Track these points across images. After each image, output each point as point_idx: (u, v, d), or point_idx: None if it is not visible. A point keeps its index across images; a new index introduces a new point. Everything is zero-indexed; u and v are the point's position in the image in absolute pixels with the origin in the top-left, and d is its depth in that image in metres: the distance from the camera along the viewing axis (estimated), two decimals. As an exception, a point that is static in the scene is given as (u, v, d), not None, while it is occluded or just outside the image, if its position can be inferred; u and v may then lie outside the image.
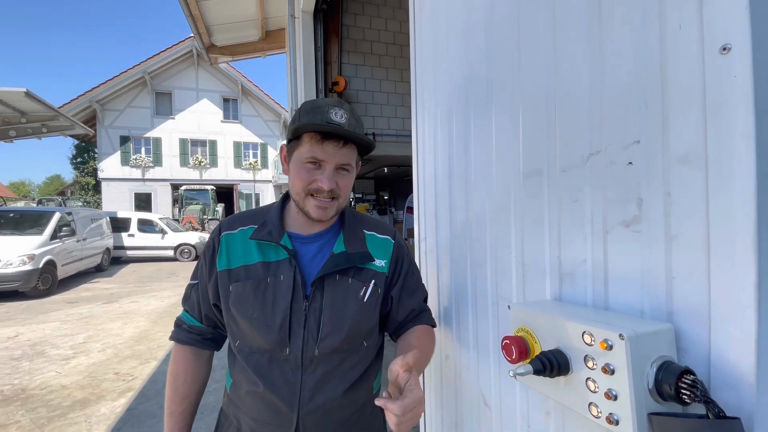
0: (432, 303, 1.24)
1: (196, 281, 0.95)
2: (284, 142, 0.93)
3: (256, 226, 0.91)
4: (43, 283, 7.25)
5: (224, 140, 20.59)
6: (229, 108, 20.93)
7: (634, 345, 0.46)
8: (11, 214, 8.22)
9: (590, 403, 0.52)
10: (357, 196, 9.08)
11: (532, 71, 0.75)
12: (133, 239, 12.03)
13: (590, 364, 0.51)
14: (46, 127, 8.59)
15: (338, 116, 0.81)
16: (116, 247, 11.50)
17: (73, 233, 8.54)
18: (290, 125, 0.87)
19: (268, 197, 21.01)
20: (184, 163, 19.81)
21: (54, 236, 7.86)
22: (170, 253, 12.23)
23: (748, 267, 0.41)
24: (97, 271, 10.14)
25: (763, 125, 0.41)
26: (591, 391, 0.51)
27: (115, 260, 11.59)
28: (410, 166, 1.44)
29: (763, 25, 0.41)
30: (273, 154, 21.03)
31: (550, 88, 0.69)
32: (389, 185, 10.62)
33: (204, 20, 5.10)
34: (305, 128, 0.82)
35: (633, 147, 0.54)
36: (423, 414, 1.37)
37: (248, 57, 6.62)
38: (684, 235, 0.48)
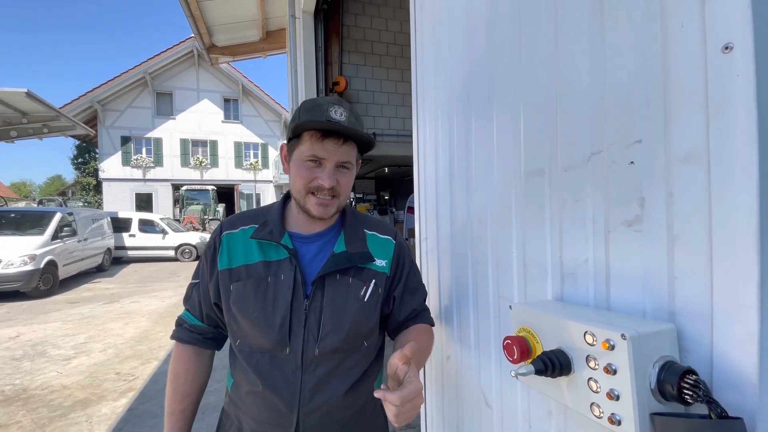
0: (433, 303, 1.24)
1: (197, 280, 0.95)
2: (284, 141, 0.93)
3: (257, 226, 0.91)
4: (44, 283, 7.26)
5: (225, 140, 20.62)
6: (230, 108, 20.96)
7: (636, 345, 0.46)
8: (12, 215, 8.24)
9: (592, 404, 0.51)
10: (358, 196, 9.09)
11: (533, 70, 0.74)
12: (134, 239, 12.04)
13: (592, 364, 0.51)
14: (47, 128, 8.59)
15: (338, 114, 0.81)
16: (117, 248, 11.52)
17: (74, 233, 8.56)
18: (290, 124, 0.87)
19: (269, 197, 21.03)
20: (184, 163, 19.84)
21: (55, 236, 7.87)
22: (171, 253, 12.25)
23: (750, 267, 0.41)
24: (98, 271, 10.16)
25: (766, 124, 0.40)
26: (593, 391, 0.51)
27: (116, 260, 11.60)
28: (411, 166, 1.44)
29: (765, 24, 0.41)
30: (274, 154, 21.06)
31: (552, 87, 0.69)
32: (390, 185, 10.62)
33: (205, 20, 5.10)
34: (305, 126, 0.82)
35: (635, 146, 0.54)
36: (424, 414, 1.37)
37: (249, 57, 6.63)
38: (686, 235, 0.48)
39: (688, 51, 0.47)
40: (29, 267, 6.95)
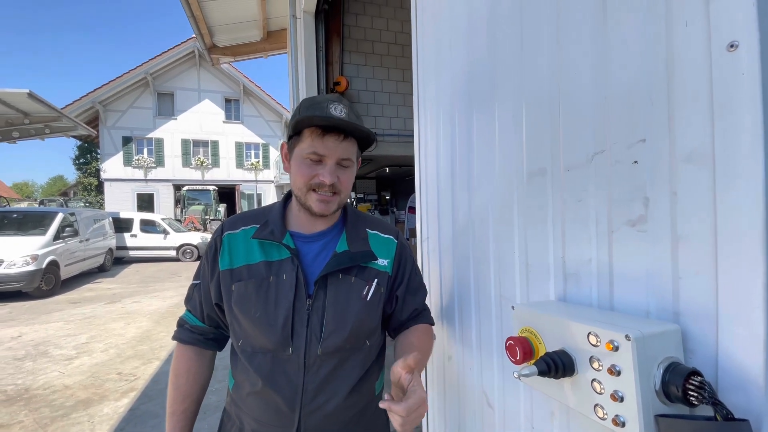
0: (435, 303, 1.23)
1: (198, 281, 0.95)
2: (284, 140, 0.93)
3: (258, 226, 0.91)
4: (46, 283, 7.28)
5: (226, 140, 20.64)
6: (231, 108, 20.98)
7: (640, 346, 0.45)
8: (14, 215, 8.26)
9: (596, 405, 0.51)
10: (359, 196, 9.09)
11: (535, 69, 0.74)
12: (136, 239, 12.07)
13: (596, 365, 0.51)
14: (49, 128, 8.61)
15: (338, 111, 0.81)
16: (119, 248, 11.54)
17: (76, 234, 8.57)
18: (290, 122, 0.87)
19: (270, 197, 21.05)
20: (186, 163, 19.86)
21: (57, 237, 7.89)
22: (172, 253, 12.27)
23: (756, 267, 0.41)
24: (100, 271, 10.17)
25: (772, 123, 0.40)
26: (597, 392, 0.51)
27: (117, 260, 11.63)
28: (412, 165, 1.43)
29: (771, 22, 0.40)
30: (275, 154, 21.08)
31: (554, 87, 0.69)
32: (391, 185, 10.62)
33: (206, 21, 5.10)
34: (306, 122, 0.82)
35: (638, 146, 0.54)
36: (426, 414, 1.36)
37: (250, 57, 6.63)
38: (691, 235, 0.47)
39: (693, 49, 0.47)
40: (31, 267, 6.96)
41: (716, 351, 0.45)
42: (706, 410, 0.42)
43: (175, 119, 19.68)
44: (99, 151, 19.22)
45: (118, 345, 4.61)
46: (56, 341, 4.74)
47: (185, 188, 18.31)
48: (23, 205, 16.03)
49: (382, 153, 5.43)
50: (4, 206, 10.10)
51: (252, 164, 21.07)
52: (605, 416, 0.50)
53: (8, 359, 4.17)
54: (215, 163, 20.41)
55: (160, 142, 19.38)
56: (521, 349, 0.61)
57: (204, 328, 0.96)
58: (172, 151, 19.62)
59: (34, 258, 7.05)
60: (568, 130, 0.66)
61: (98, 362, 4.09)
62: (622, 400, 0.47)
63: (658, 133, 0.51)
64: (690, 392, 0.43)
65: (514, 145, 0.80)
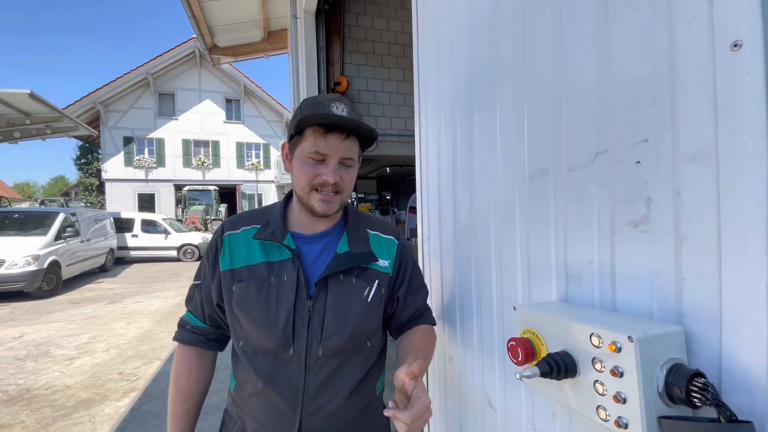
0: (436, 303, 1.23)
1: (199, 281, 0.95)
2: (285, 140, 0.93)
3: (258, 226, 0.91)
4: (47, 283, 7.29)
5: (227, 141, 20.66)
6: (232, 108, 21.00)
7: (643, 347, 0.45)
8: (16, 215, 8.28)
9: (598, 406, 0.51)
10: (359, 196, 9.09)
11: (536, 69, 0.74)
12: (137, 240, 12.09)
13: (598, 366, 0.50)
14: (50, 129, 8.64)
15: (339, 109, 0.81)
16: (120, 248, 11.56)
17: (77, 234, 8.58)
18: (291, 121, 0.87)
19: (271, 197, 21.06)
20: (187, 163, 19.88)
21: (58, 237, 7.90)
22: (173, 253, 12.28)
23: (760, 268, 0.41)
24: (101, 271, 10.19)
25: (776, 123, 0.40)
26: (599, 393, 0.51)
27: (118, 260, 11.65)
28: (412, 166, 1.43)
29: (775, 21, 0.40)
30: (276, 154, 21.09)
31: (556, 86, 0.69)
32: (391, 185, 10.62)
33: (206, 21, 5.11)
34: (308, 121, 0.81)
35: (641, 145, 0.53)
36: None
37: (250, 58, 6.63)
38: (694, 235, 0.47)
39: (696, 48, 0.46)
40: (33, 267, 6.98)
41: (720, 352, 0.45)
42: (710, 412, 0.42)
43: (176, 119, 19.70)
44: (100, 151, 19.24)
45: (120, 345, 4.62)
46: (57, 341, 4.75)
47: (186, 188, 18.33)
48: (24, 206, 16.05)
49: (383, 153, 5.42)
50: (6, 206, 10.12)
51: (253, 164, 21.08)
52: (608, 418, 0.49)
53: (10, 359, 4.18)
54: (216, 163, 20.42)
55: (161, 143, 19.40)
56: (523, 350, 0.61)
57: (205, 329, 0.95)
58: (173, 152, 19.64)
59: (36, 258, 7.06)
60: (570, 130, 0.66)
61: (99, 362, 4.10)
62: (624, 401, 0.47)
63: (660, 133, 0.51)
64: (693, 394, 0.43)
65: (516, 145, 0.80)
